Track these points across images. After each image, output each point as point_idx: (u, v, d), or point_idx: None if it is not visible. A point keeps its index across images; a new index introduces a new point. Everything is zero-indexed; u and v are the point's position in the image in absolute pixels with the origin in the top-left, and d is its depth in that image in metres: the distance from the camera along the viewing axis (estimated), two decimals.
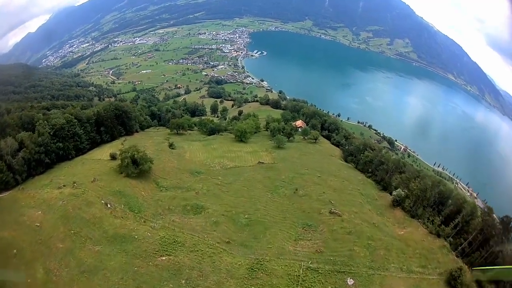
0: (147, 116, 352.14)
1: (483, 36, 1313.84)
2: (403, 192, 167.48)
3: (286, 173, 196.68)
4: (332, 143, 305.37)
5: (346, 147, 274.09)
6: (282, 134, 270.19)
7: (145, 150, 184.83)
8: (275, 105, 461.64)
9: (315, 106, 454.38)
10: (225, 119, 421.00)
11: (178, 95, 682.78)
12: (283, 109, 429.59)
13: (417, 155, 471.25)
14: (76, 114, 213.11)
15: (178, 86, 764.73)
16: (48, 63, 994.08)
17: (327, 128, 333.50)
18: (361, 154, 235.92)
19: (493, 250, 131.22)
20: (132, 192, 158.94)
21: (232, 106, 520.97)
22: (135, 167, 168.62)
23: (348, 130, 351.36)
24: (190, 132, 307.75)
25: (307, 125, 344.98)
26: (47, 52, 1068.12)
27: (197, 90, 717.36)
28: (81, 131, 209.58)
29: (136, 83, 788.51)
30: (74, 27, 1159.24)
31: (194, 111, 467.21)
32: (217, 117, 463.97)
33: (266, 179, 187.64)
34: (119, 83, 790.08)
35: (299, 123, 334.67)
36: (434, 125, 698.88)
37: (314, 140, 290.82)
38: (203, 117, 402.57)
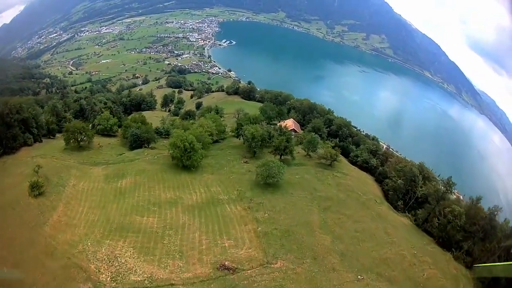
0: (68, 115, 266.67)
1: (463, 37, 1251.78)
2: None
3: None
4: (351, 162, 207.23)
5: (388, 179, 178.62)
6: (274, 150, 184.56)
7: None
8: (248, 95, 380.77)
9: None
10: (177, 115, 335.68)
11: (135, 85, 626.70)
12: (258, 101, 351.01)
13: (400, 154, 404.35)
14: None
15: (136, 76, 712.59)
16: (16, 55, 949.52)
17: (335, 134, 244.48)
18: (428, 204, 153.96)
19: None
20: None
21: (191, 98, 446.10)
22: None
23: (370, 138, 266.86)
24: (110, 143, 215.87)
25: (301, 127, 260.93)
26: (17, 44, 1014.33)
27: (157, 80, 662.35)
28: None
29: (93, 73, 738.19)
30: (45, 18, 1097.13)
31: (139, 103, 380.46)
32: (168, 111, 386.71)
33: None
34: (76, 74, 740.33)
35: (289, 123, 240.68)
36: (413, 122, 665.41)
37: (330, 162, 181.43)
38: (142, 113, 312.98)
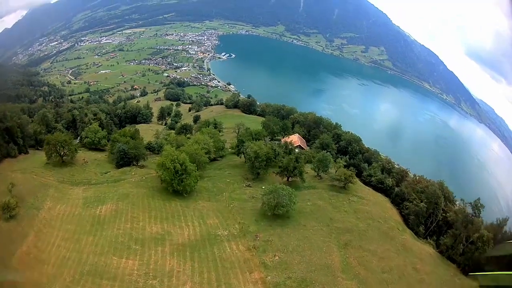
0: (59, 125, 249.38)
1: (461, 45, 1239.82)
2: None
3: None
4: (364, 182, 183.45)
5: (408, 202, 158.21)
6: (281, 171, 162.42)
7: None
8: (248, 108, 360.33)
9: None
10: (174, 128, 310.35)
11: (133, 97, 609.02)
12: (259, 115, 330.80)
13: (400, 166, 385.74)
14: None
15: (134, 87, 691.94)
16: (17, 61, 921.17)
17: (343, 150, 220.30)
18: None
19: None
20: None
21: (189, 111, 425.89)
22: None
23: (379, 154, 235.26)
24: (96, 158, 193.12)
25: (307, 143, 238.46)
26: (18, 50, 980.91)
27: (155, 92, 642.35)
28: None
29: (92, 83, 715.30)
30: (47, 25, 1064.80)
31: (135, 115, 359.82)
32: (165, 124, 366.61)
33: None
34: (74, 84, 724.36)
35: (295, 139, 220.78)
36: (412, 134, 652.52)
37: (344, 184, 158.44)
38: (136, 126, 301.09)
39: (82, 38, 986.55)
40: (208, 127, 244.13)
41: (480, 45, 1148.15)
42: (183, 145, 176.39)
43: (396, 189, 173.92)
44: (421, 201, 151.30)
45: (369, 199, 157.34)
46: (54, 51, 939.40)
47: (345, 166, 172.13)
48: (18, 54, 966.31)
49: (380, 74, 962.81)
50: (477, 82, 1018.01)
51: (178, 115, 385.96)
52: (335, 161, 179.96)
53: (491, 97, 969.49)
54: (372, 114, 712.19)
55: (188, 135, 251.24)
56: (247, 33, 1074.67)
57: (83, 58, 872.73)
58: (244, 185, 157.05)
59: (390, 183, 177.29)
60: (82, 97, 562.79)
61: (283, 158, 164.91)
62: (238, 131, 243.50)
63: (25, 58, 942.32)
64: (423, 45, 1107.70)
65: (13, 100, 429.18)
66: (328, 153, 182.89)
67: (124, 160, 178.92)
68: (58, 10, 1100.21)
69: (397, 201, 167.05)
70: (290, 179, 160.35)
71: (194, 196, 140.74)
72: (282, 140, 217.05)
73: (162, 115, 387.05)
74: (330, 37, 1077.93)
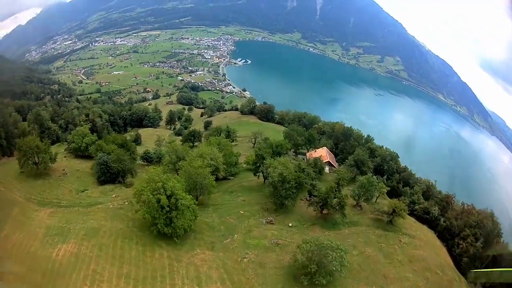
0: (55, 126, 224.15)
1: (475, 57, 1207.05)
2: None
3: None
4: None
5: (459, 239, 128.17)
6: (316, 203, 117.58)
7: None
8: (265, 115, 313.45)
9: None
10: (181, 134, 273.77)
11: (145, 99, 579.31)
12: (278, 123, 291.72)
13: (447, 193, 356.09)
14: None
15: (147, 90, 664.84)
16: (30, 58, 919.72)
17: (378, 169, 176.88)
18: None
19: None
20: None
21: (201, 116, 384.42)
22: None
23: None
24: (79, 169, 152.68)
25: (335, 157, 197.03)
26: (32, 47, 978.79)
27: (168, 96, 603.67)
28: None
29: (103, 84, 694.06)
30: (61, 24, 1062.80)
31: (141, 118, 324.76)
32: (173, 129, 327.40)
33: None
34: (86, 83, 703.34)
35: (323, 154, 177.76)
36: (427, 145, 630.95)
37: (390, 219, 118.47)
38: (141, 130, 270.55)
39: (97, 39, 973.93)
40: (220, 135, 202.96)
41: (494, 57, 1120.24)
42: (183, 158, 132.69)
43: (442, 219, 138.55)
44: (476, 239, 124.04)
45: (420, 238, 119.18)
46: (68, 50, 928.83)
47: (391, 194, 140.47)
48: (31, 51, 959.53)
49: (396, 85, 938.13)
50: (490, 94, 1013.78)
51: (188, 120, 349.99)
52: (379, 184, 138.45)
53: (503, 109, 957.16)
54: (388, 125, 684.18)
55: (196, 143, 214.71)
56: (263, 39, 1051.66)
57: (97, 58, 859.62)
58: (264, 220, 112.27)
59: (436, 212, 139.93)
60: (90, 97, 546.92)
61: (313, 180, 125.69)
62: (255, 141, 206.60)
63: (38, 55, 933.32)
64: (437, 55, 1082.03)
65: (18, 96, 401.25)
66: (374, 176, 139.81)
67: (107, 175, 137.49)
68: (73, 10, 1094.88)
69: (445, 236, 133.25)
70: (324, 210, 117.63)
71: (191, 240, 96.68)
72: (308, 154, 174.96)
73: (171, 119, 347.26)
74: (346, 46, 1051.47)
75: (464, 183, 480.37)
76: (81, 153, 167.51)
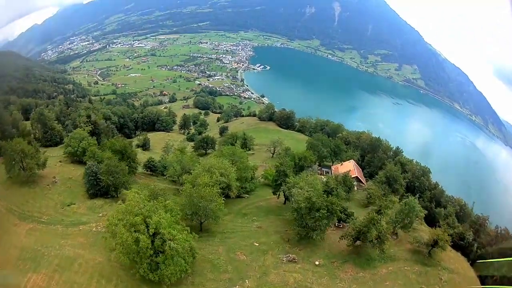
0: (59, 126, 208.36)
1: (491, 66, 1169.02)
2: None
3: None
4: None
5: None
6: (350, 235, 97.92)
7: None
8: (285, 122, 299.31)
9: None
10: (192, 140, 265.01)
11: (160, 102, 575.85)
12: (298, 130, 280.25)
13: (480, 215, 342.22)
14: None
15: (163, 93, 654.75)
16: (46, 57, 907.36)
17: (408, 185, 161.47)
18: None
19: None
20: None
21: (218, 121, 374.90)
22: None
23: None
24: (71, 177, 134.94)
25: (362, 170, 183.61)
26: (48, 46, 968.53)
27: (184, 99, 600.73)
28: None
29: (119, 86, 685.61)
30: (78, 25, 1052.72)
31: (153, 122, 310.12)
32: (187, 134, 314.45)
33: None
34: (102, 84, 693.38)
35: (350, 167, 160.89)
36: (444, 156, 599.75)
37: (429, 250, 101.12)
38: (152, 134, 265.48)
39: (114, 41, 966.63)
40: (235, 142, 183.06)
41: (508, 64, 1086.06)
42: (190, 171, 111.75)
43: (476, 245, 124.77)
44: None
45: (459, 273, 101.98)
46: (85, 51, 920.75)
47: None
48: (48, 51, 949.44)
49: (413, 93, 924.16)
50: (504, 103, 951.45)
51: (203, 124, 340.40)
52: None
53: None
54: (405, 134, 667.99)
55: (209, 151, 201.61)
56: (282, 45, 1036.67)
57: (114, 60, 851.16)
58: (285, 257, 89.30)
59: (471, 237, 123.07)
60: (104, 98, 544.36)
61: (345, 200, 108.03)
62: (274, 151, 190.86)
63: (54, 55, 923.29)
64: (453, 64, 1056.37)
65: (30, 94, 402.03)
66: (414, 199, 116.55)
67: (96, 188, 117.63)
68: (90, 11, 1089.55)
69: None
70: (356, 241, 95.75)
71: (186, 285, 74.78)
72: (333, 168, 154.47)
73: (185, 124, 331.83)
74: (364, 54, 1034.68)
75: (479, 194, 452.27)
76: (77, 158, 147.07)
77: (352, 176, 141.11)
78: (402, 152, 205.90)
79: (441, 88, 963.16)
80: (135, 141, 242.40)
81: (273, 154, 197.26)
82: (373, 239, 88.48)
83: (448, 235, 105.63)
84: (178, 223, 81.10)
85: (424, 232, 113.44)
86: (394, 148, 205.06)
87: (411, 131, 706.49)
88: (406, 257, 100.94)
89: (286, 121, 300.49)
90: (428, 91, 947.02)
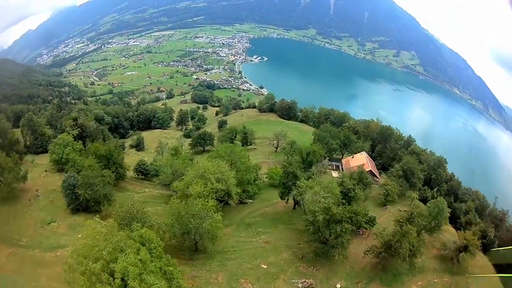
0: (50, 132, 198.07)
1: (489, 51, 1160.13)
2: None
3: None
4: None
5: None
6: (375, 249, 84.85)
7: None
8: (287, 113, 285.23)
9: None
10: (189, 136, 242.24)
11: (158, 99, 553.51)
12: (301, 121, 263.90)
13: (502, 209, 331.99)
14: None
15: (161, 89, 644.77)
16: (42, 62, 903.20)
17: (427, 179, 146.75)
18: None
19: None
20: None
21: (216, 115, 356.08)
22: None
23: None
24: (55, 189, 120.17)
25: (374, 161, 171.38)
26: (44, 51, 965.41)
27: (182, 95, 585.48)
28: None
29: (116, 85, 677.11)
30: (73, 27, 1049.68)
31: (149, 119, 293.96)
32: (185, 130, 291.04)
33: None
34: (98, 85, 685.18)
35: (362, 160, 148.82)
36: (446, 142, 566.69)
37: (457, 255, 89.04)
38: (148, 132, 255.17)
39: (109, 40, 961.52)
40: (235, 138, 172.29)
41: (507, 50, 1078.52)
42: (182, 175, 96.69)
43: (497, 242, 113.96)
44: None
45: (485, 278, 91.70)
46: (80, 53, 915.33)
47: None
48: (43, 55, 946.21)
49: (412, 79, 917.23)
50: (504, 88, 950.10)
51: (201, 119, 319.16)
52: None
53: None
54: (408, 121, 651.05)
55: (207, 147, 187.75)
56: (278, 36, 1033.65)
57: (110, 59, 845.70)
58: (300, 283, 75.35)
59: (492, 235, 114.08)
60: (99, 98, 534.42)
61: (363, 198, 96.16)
62: (278, 145, 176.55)
63: (50, 59, 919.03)
64: (451, 49, 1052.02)
65: (24, 100, 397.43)
66: (443, 200, 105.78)
67: (76, 203, 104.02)
68: (84, 13, 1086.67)
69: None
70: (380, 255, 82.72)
71: None
72: (344, 161, 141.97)
73: (182, 120, 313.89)
74: (361, 41, 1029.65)
75: (484, 179, 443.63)
76: (62, 167, 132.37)
77: (366, 169, 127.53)
78: (415, 141, 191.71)
79: (440, 73, 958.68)
80: (129, 141, 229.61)
81: (276, 148, 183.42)
82: (405, 255, 74.51)
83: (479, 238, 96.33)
84: (161, 256, 64.02)
85: (448, 233, 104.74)
86: (405, 137, 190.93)
87: (412, 117, 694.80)
88: (434, 267, 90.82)
89: (288, 112, 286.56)
90: (427, 76, 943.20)
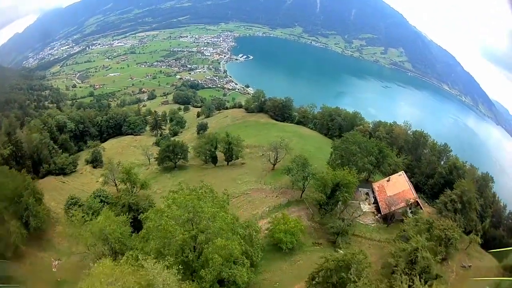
0: None
1: (478, 47, 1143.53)
2: None
3: None
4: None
5: None
6: None
7: None
8: (281, 113, 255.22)
9: None
10: (158, 145, 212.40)
11: (139, 101, 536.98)
12: (298, 123, 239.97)
13: None
14: None
15: (142, 90, 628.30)
16: (27, 65, 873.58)
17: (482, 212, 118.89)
18: None
19: None
20: None
21: (198, 116, 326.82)
22: None
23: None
24: None
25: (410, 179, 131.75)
26: (29, 54, 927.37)
27: (164, 95, 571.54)
28: None
29: (97, 87, 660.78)
30: (59, 29, 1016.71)
31: (120, 124, 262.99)
32: (159, 135, 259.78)
33: None
34: (80, 87, 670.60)
35: (404, 186, 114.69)
36: (439, 139, 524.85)
37: None
38: (115, 140, 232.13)
39: (94, 42, 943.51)
40: (215, 149, 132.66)
41: (495, 46, 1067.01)
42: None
43: None
44: None
45: None
46: (65, 55, 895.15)
47: None
48: (29, 58, 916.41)
49: (401, 76, 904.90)
50: (493, 83, 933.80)
51: (180, 122, 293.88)
52: None
53: (506, 98, 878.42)
54: (399, 118, 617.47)
55: (179, 161, 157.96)
56: (264, 35, 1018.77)
57: (93, 61, 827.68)
58: None
59: None
60: (76, 102, 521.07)
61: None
62: (276, 159, 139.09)
63: (35, 62, 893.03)
64: (440, 46, 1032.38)
65: (1, 106, 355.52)
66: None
67: None
68: (70, 15, 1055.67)
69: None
70: None
71: None
72: (376, 186, 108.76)
73: (156, 124, 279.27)
74: (348, 38, 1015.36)
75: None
76: None
77: (411, 200, 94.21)
78: (451, 151, 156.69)
79: (429, 69, 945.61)
80: (84, 154, 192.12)
81: (274, 164, 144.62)
82: None
83: None
84: None
85: None
86: (439, 145, 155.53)
87: (403, 114, 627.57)
88: None
89: (281, 111, 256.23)
90: (416, 73, 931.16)
